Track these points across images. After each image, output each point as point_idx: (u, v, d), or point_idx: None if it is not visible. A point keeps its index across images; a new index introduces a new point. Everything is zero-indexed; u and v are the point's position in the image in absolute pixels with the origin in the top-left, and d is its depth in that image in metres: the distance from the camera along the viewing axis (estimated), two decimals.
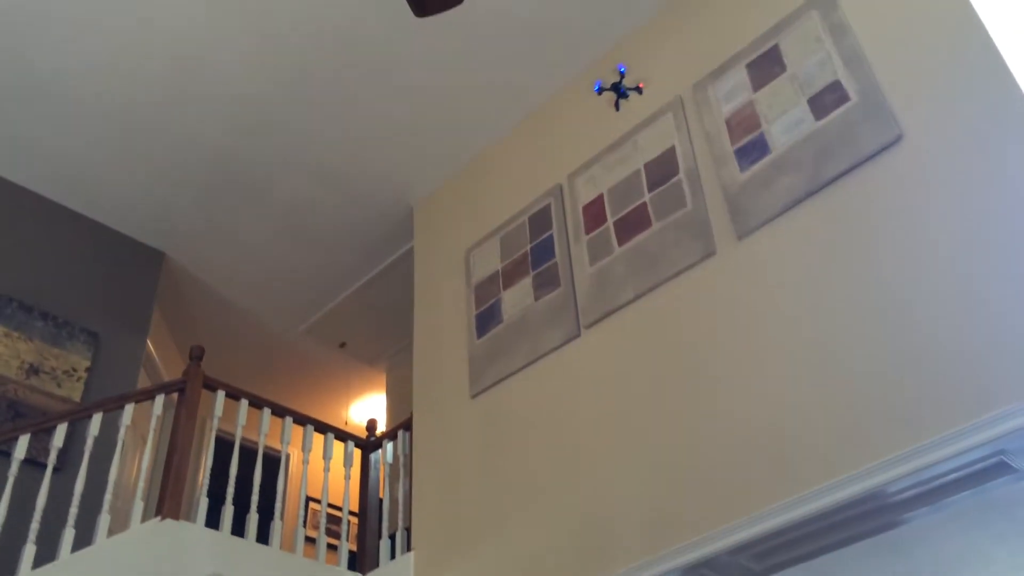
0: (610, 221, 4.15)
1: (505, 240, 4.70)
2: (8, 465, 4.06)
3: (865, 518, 3.01)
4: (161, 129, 4.95)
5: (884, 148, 3.24)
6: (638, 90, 3.87)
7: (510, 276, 4.55)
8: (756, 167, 3.62)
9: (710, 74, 4.01)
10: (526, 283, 4.43)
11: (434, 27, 4.42)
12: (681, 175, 3.91)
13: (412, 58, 4.62)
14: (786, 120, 3.60)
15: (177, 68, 4.62)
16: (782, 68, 3.74)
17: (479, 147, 5.17)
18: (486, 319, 4.54)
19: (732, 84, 3.89)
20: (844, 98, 3.44)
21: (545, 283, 4.32)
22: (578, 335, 4.02)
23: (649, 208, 3.99)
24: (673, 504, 3.30)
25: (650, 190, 4.02)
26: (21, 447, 3.79)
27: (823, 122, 3.47)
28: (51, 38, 4.44)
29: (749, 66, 3.87)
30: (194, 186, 5.32)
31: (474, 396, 4.38)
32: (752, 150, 3.67)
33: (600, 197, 4.26)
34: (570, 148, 4.61)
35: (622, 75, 3.83)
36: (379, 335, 6.57)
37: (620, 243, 4.03)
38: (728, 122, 3.83)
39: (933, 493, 2.90)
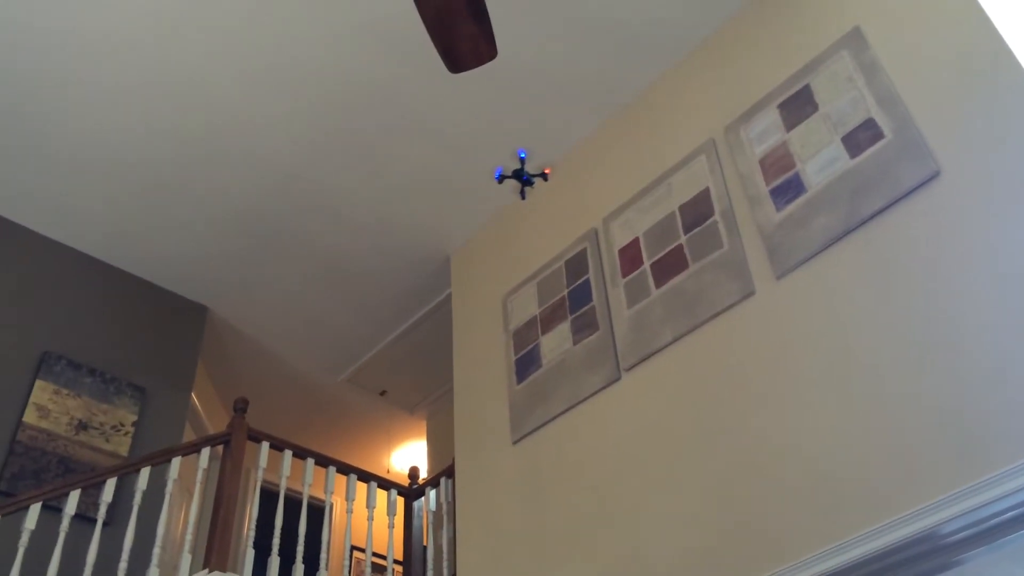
0: (647, 264, 4.17)
1: (542, 285, 4.73)
2: (59, 520, 4.14)
3: (918, 560, 2.94)
4: (200, 187, 5.08)
5: (921, 184, 3.23)
6: (543, 176, 3.62)
7: (548, 321, 4.57)
8: (792, 206, 3.63)
9: (742, 115, 4.04)
10: (564, 327, 4.45)
11: (464, 78, 4.51)
12: (716, 216, 3.92)
13: (443, 109, 4.71)
14: (820, 159, 3.61)
15: (213, 129, 4.76)
16: (814, 107, 3.75)
17: (512, 194, 5.23)
18: (525, 364, 4.55)
19: (764, 125, 3.92)
20: (878, 135, 3.45)
21: (583, 327, 4.33)
22: (618, 378, 4.02)
23: (685, 250, 4.00)
24: (717, 548, 3.25)
25: (686, 232, 4.04)
26: (72, 502, 3.86)
27: (858, 160, 3.48)
28: (93, 104, 4.60)
29: (781, 106, 3.89)
30: (234, 241, 5.43)
31: (515, 442, 4.38)
32: (787, 190, 3.67)
33: (636, 240, 4.28)
34: (604, 192, 4.65)
35: (523, 161, 3.63)
36: (419, 382, 6.62)
37: (657, 285, 4.04)
38: (762, 162, 3.85)
39: (990, 532, 2.83)
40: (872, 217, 3.32)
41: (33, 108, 4.60)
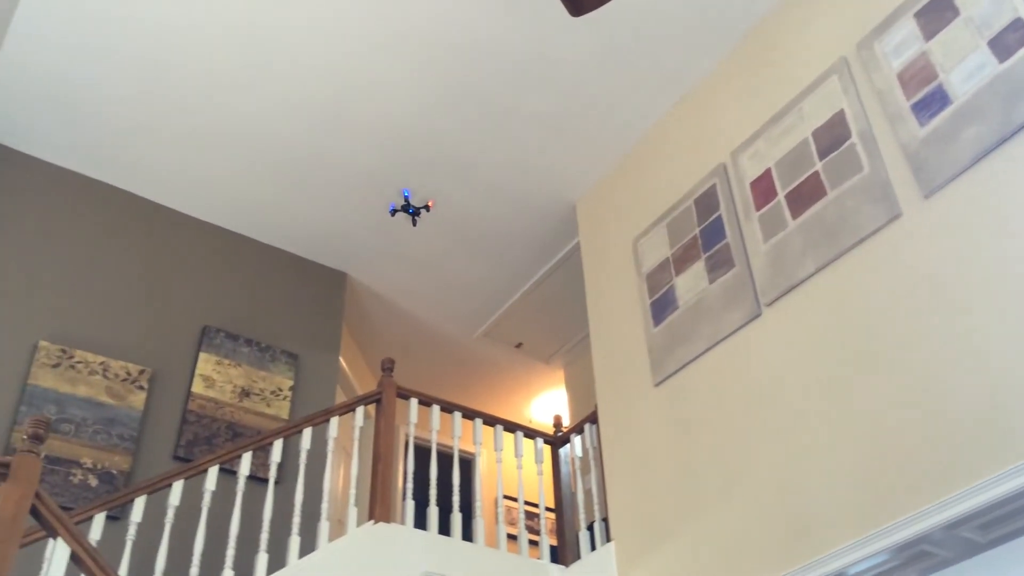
0: (781, 195, 4.05)
1: (672, 226, 4.68)
2: (234, 481, 4.44)
3: None
4: (332, 156, 5.24)
5: None
6: (427, 208, 3.97)
7: (681, 261, 4.52)
8: (937, 120, 3.44)
9: (875, 29, 3.84)
10: (699, 267, 4.39)
11: (580, 22, 4.46)
12: (854, 138, 3.76)
13: (561, 57, 4.68)
14: (966, 67, 3.40)
15: (340, 96, 4.88)
16: (955, 12, 3.52)
17: (636, 136, 5.17)
18: (661, 307, 4.53)
19: (901, 37, 3.71)
20: None
21: (719, 264, 4.27)
22: (759, 314, 3.95)
23: (822, 176, 3.86)
24: (880, 481, 3.18)
25: (821, 158, 3.90)
26: (245, 464, 4.12)
27: (1008, 63, 3.25)
28: (228, 85, 4.81)
29: (918, 15, 3.67)
30: (367, 208, 5.60)
31: (657, 384, 4.39)
32: (931, 103, 3.48)
33: (768, 171, 4.16)
34: (730, 125, 4.53)
35: (407, 198, 4.00)
36: (553, 332, 6.69)
37: (794, 216, 3.93)
38: (900, 77, 3.65)
39: None
40: None
41: (174, 94, 4.85)
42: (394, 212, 4.00)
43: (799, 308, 3.78)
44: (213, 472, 4.02)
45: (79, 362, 4.68)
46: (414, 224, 3.90)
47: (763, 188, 4.16)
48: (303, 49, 4.61)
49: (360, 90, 4.84)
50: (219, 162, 5.25)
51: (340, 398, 5.98)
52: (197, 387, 5.02)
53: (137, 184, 5.36)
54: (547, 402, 7.62)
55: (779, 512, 3.51)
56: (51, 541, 2.82)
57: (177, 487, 3.93)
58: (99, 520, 3.73)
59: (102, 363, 4.75)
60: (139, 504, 3.82)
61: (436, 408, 4.75)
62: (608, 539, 4.41)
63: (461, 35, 4.56)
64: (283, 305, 5.68)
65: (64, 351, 4.67)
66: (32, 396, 4.46)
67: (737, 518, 3.68)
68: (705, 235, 4.43)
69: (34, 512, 2.72)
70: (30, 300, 4.73)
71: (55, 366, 4.61)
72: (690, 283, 4.40)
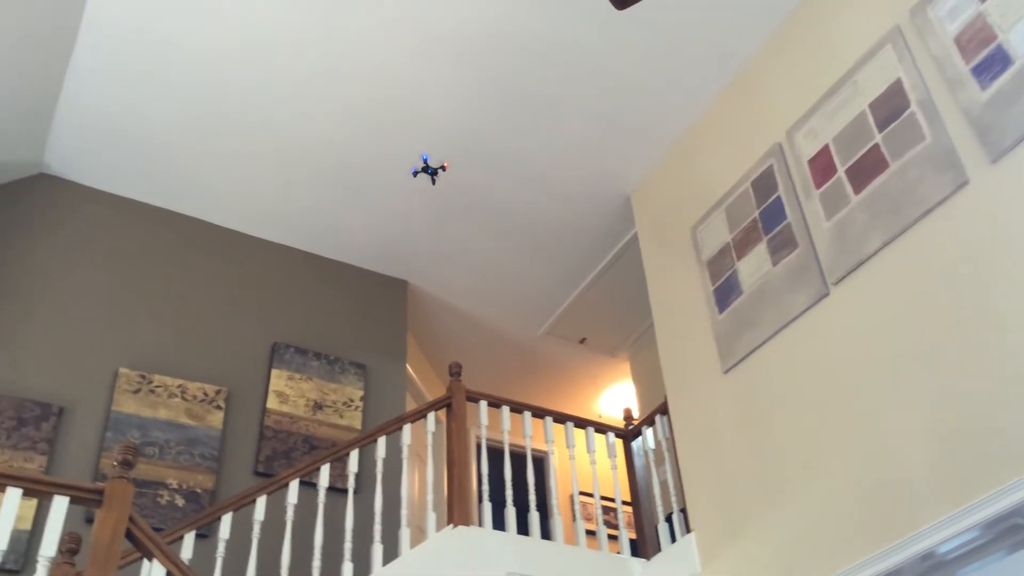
0: (841, 170, 3.97)
1: (730, 210, 4.63)
2: (315, 494, 4.53)
3: None
4: (386, 167, 5.31)
5: None
6: (443, 168, 4.37)
7: (742, 245, 4.47)
8: (999, 82, 3.33)
9: None
10: (761, 249, 4.34)
11: (626, 14, 4.43)
12: (913, 107, 3.67)
13: (605, 48, 4.66)
14: None
15: (391, 108, 4.94)
16: None
17: (686, 124, 5.12)
18: (725, 293, 4.49)
19: (955, 1, 3.60)
20: None
21: (781, 246, 4.21)
22: (827, 293, 3.89)
23: (883, 148, 3.78)
24: (967, 455, 3.10)
25: (880, 129, 3.81)
26: (324, 476, 4.20)
27: None
28: (286, 100, 4.90)
29: None
30: (423, 215, 5.66)
31: (726, 371, 4.34)
32: (991, 65, 3.38)
33: (826, 148, 4.08)
34: (783, 104, 4.46)
35: (425, 161, 4.34)
36: (616, 326, 6.67)
37: (856, 191, 3.85)
38: (958, 40, 3.55)
39: None
40: None
41: (227, 117, 4.96)
42: (416, 174, 4.35)
43: (868, 284, 3.70)
44: (294, 486, 4.11)
45: (158, 386, 4.83)
46: (433, 183, 4.34)
47: (822, 165, 4.09)
48: (351, 59, 4.67)
49: (408, 95, 4.88)
50: (276, 180, 5.36)
51: (410, 405, 6.05)
52: (272, 403, 5.13)
53: (199, 209, 5.50)
54: (615, 395, 7.59)
55: (863, 493, 3.45)
56: (147, 562, 2.92)
57: (261, 502, 4.02)
58: (189, 539, 3.84)
59: (180, 386, 4.89)
60: (226, 521, 3.92)
61: (506, 409, 4.78)
62: (688, 530, 4.38)
63: (505, 33, 4.57)
64: (347, 317, 5.78)
65: (143, 376, 4.81)
66: (116, 422, 4.62)
67: (819, 502, 3.63)
68: (765, 217, 4.37)
69: (129, 535, 2.82)
70: (108, 330, 4.90)
71: (136, 392, 4.76)
72: (753, 267, 4.35)
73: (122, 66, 4.61)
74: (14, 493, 2.70)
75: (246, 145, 5.12)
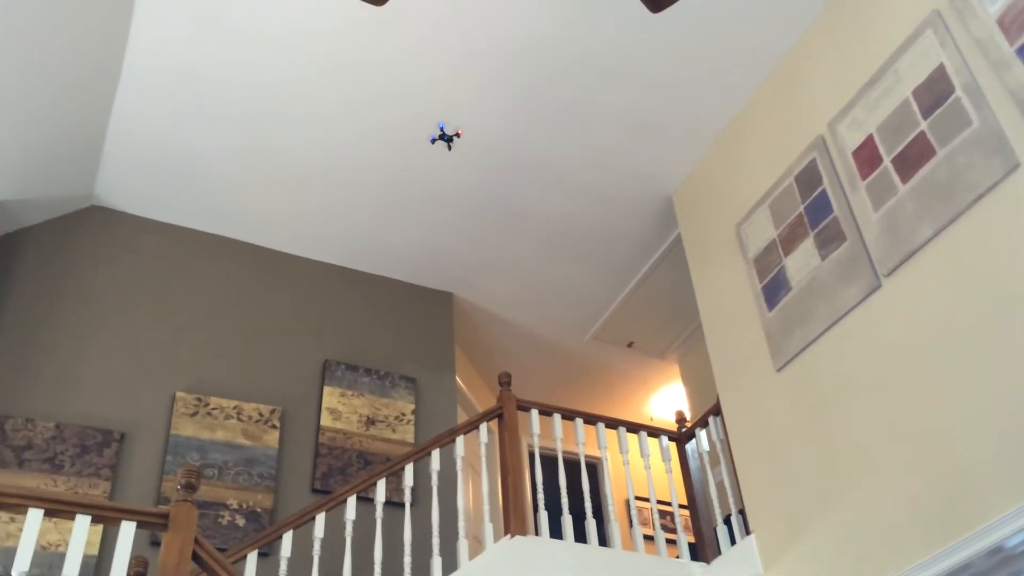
0: (887, 160, 3.91)
1: (775, 206, 4.58)
2: (372, 509, 4.57)
3: None
4: (427, 181, 5.35)
5: None
6: (457, 135, 4.65)
7: (789, 241, 4.42)
8: None
9: None
10: (808, 244, 4.28)
11: (659, 15, 4.42)
12: (958, 92, 3.60)
13: (639, 51, 4.64)
14: None
15: (430, 124, 4.96)
16: None
17: (725, 121, 5.08)
18: (773, 290, 4.44)
19: None
20: None
21: (829, 240, 4.15)
22: (879, 285, 3.82)
23: (929, 136, 3.71)
24: None
25: (925, 116, 3.74)
26: (380, 491, 4.23)
27: None
28: (325, 121, 4.97)
29: None
30: (465, 228, 5.69)
31: (779, 369, 4.29)
32: None
33: (870, 138, 4.02)
34: (822, 96, 4.40)
35: (442, 129, 4.61)
36: (663, 328, 6.63)
37: (904, 180, 3.79)
38: (1000, 22, 3.47)
39: None
40: None
41: (270, 142, 5.05)
42: (434, 141, 4.61)
43: (921, 274, 3.64)
44: (351, 502, 4.14)
45: (214, 408, 4.91)
46: (449, 149, 4.63)
47: (867, 155, 4.02)
48: (388, 79, 4.72)
49: (445, 109, 4.91)
50: (320, 200, 5.43)
51: (461, 416, 6.07)
52: (325, 420, 5.19)
53: (248, 232, 5.60)
54: (666, 397, 7.54)
55: (926, 488, 3.38)
56: None
57: (320, 519, 4.06)
58: (252, 558, 3.90)
59: (235, 407, 4.97)
60: (287, 539, 3.97)
61: (557, 417, 4.77)
62: (747, 532, 4.33)
63: (540, 43, 4.58)
64: (395, 331, 5.82)
65: (200, 399, 4.90)
66: (175, 445, 4.71)
67: (881, 498, 3.56)
68: (811, 211, 4.32)
69: (195, 557, 2.87)
70: (164, 355, 5.00)
71: (193, 415, 4.84)
72: (801, 262, 4.29)
73: (167, 97, 4.71)
74: (83, 520, 2.77)
75: (290, 169, 5.20)
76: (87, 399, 4.68)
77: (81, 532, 2.74)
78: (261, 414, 5.01)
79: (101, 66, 4.49)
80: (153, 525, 2.87)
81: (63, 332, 4.83)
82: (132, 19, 4.32)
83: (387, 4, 2.81)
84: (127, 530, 2.81)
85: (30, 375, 4.63)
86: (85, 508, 2.78)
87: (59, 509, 2.76)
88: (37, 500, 2.74)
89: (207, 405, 4.91)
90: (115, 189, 5.24)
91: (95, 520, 2.82)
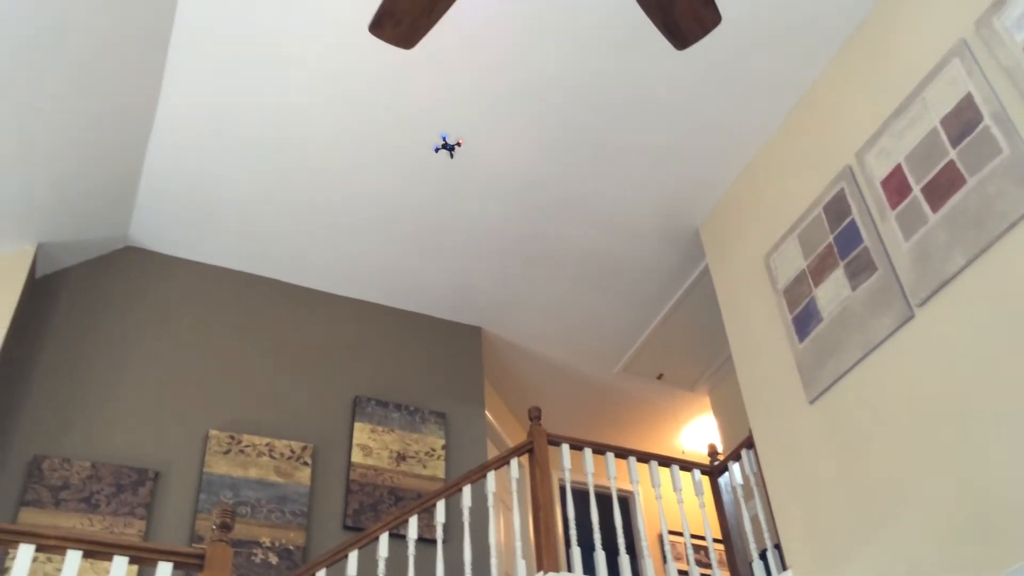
0: (916, 189, 3.89)
1: (803, 237, 4.56)
2: (403, 545, 4.56)
3: None
4: (455, 222, 5.40)
5: None
6: (458, 144, 4.72)
7: (818, 272, 4.40)
8: None
9: (992, 5, 3.67)
10: (838, 275, 4.26)
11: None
12: (987, 120, 3.59)
13: (668, 86, 4.67)
14: None
15: (458, 164, 5.02)
16: None
17: (752, 152, 5.09)
18: (804, 320, 4.41)
19: (1021, 10, 3.53)
20: None
21: (860, 270, 4.12)
22: (911, 316, 3.79)
23: (958, 164, 3.69)
24: None
25: (954, 145, 3.73)
26: (412, 528, 4.22)
27: None
28: (358, 161, 5.03)
29: None
30: (493, 262, 5.72)
31: (812, 401, 4.25)
32: None
33: (898, 167, 4.01)
34: (849, 126, 4.40)
35: (444, 139, 4.73)
36: (693, 359, 6.60)
37: (934, 209, 3.76)
38: None
39: None
40: None
41: (302, 182, 5.12)
42: (437, 151, 4.72)
43: (954, 304, 3.60)
44: (384, 539, 4.14)
45: (247, 446, 4.94)
46: (451, 157, 4.77)
47: (895, 185, 4.01)
48: (418, 121, 4.77)
49: (475, 150, 4.95)
50: (350, 238, 5.49)
51: (491, 451, 6.06)
52: (356, 456, 5.21)
53: (278, 271, 5.67)
54: (697, 430, 7.48)
55: (963, 523, 3.31)
56: None
57: (353, 558, 4.06)
58: None
59: (267, 444, 5.00)
60: None
61: (588, 451, 4.75)
62: (784, 567, 4.27)
63: (565, 82, 4.62)
64: (425, 366, 5.85)
65: (232, 437, 4.94)
66: (209, 483, 4.74)
67: (918, 533, 3.50)
68: (840, 241, 4.30)
69: None
70: (197, 393, 5.05)
71: (226, 452, 4.88)
72: (831, 293, 4.27)
73: (198, 142, 4.81)
74: (121, 561, 2.79)
75: (320, 210, 5.27)
76: (122, 438, 4.73)
77: (119, 573, 2.76)
78: (293, 451, 5.03)
79: (135, 114, 4.60)
80: (189, 565, 2.89)
81: (98, 372, 4.90)
82: (165, 70, 4.42)
83: (416, 47, 2.86)
84: (164, 570, 2.83)
85: (67, 415, 4.69)
86: (123, 549, 2.81)
87: (97, 550, 2.79)
88: (76, 541, 2.77)
89: (239, 443, 4.94)
90: (148, 230, 5.33)
91: (132, 561, 2.85)
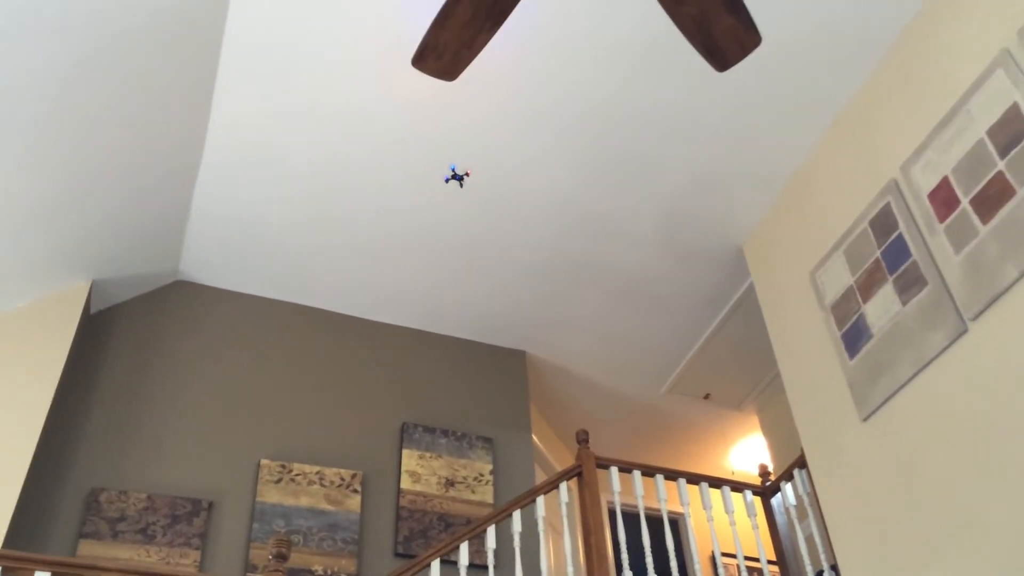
0: (964, 201, 3.83)
1: (850, 252, 4.51)
2: (456, 572, 4.56)
3: None
4: (498, 241, 5.42)
5: None
6: (467, 175, 4.82)
7: (867, 287, 4.34)
8: None
9: None
10: (887, 290, 4.20)
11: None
12: None
13: (705, 104, 4.67)
14: None
15: (496, 186, 5.06)
16: None
17: (794, 169, 5.05)
18: (854, 337, 4.35)
19: None
20: None
21: (909, 284, 4.06)
22: (965, 330, 3.72)
23: (1007, 175, 3.63)
24: None
25: (1002, 156, 3.67)
26: (463, 554, 4.23)
27: None
28: (396, 187, 5.09)
29: None
30: (536, 284, 5.73)
31: (865, 419, 4.18)
32: None
33: (945, 180, 3.95)
34: (893, 140, 4.35)
35: (453, 170, 4.79)
36: (740, 378, 6.54)
37: (984, 221, 3.70)
38: None
39: None
40: None
41: (343, 211, 5.19)
42: (447, 181, 4.79)
43: (1009, 317, 3.53)
44: (436, 566, 4.14)
45: (298, 474, 4.99)
46: (461, 186, 4.85)
47: (943, 198, 3.95)
48: (455, 144, 4.82)
49: (513, 172, 4.98)
50: (392, 265, 5.55)
51: (539, 475, 6.05)
52: (405, 483, 5.23)
53: (325, 300, 5.75)
54: (745, 449, 7.40)
55: None
56: None
57: None
58: None
59: (318, 472, 5.04)
60: None
61: (637, 473, 4.72)
62: None
63: (604, 101, 4.62)
64: (470, 391, 5.87)
65: (283, 466, 4.99)
66: (261, 512, 4.79)
67: (979, 553, 3.41)
68: (888, 256, 4.24)
69: None
70: (248, 424, 5.12)
71: (277, 481, 4.93)
72: (880, 308, 4.21)
73: (244, 176, 4.91)
74: None
75: (364, 237, 5.34)
76: (176, 469, 4.81)
77: None
78: (343, 478, 5.07)
79: (183, 150, 4.71)
80: None
81: (152, 404, 5.00)
82: (212, 105, 4.53)
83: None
84: None
85: (123, 447, 4.79)
86: None
87: None
88: (136, 574, 2.82)
89: (290, 471, 4.99)
90: (199, 264, 5.45)
91: None
